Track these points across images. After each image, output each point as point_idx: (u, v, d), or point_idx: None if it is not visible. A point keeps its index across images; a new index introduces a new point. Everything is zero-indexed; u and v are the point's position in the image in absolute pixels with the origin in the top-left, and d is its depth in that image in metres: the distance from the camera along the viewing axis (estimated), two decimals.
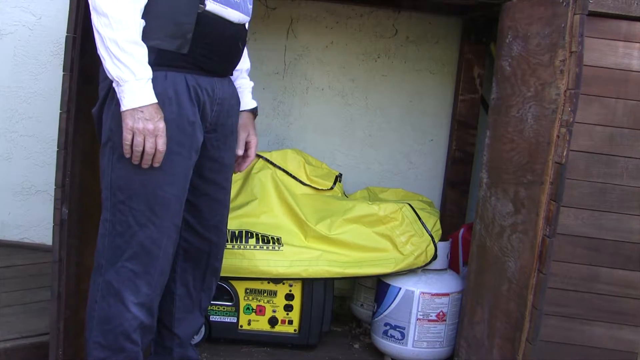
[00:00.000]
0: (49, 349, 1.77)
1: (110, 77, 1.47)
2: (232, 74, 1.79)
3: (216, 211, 1.81)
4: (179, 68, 1.55)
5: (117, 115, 1.51)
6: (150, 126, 1.47)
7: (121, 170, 1.55)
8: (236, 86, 1.82)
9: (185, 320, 1.87)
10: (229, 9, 1.62)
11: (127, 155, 1.51)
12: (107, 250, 1.60)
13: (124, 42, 1.44)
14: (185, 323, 1.87)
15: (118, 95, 1.47)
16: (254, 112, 1.91)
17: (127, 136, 1.48)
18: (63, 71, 1.67)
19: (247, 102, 1.89)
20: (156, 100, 1.49)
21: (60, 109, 1.68)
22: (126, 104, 1.46)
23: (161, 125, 1.49)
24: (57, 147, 1.69)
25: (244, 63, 1.86)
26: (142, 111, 1.47)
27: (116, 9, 1.43)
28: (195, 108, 1.60)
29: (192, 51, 1.56)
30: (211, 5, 1.56)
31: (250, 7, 1.72)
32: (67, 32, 1.66)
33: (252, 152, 1.90)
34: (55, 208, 1.71)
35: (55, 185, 1.71)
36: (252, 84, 1.90)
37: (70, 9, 1.66)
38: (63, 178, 1.70)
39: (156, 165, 1.52)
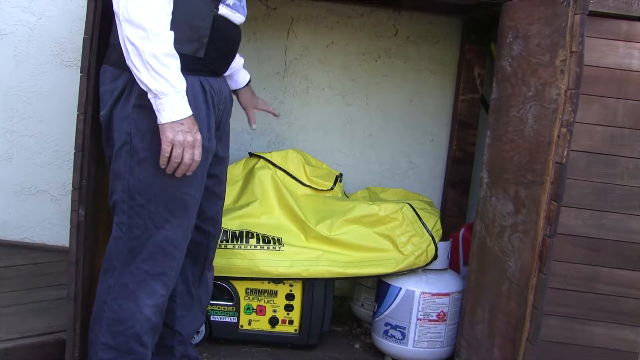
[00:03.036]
0: (65, 350, 1.78)
1: (145, 89, 1.47)
2: None
3: (213, 203, 1.83)
4: (194, 71, 1.57)
5: (137, 119, 1.53)
6: (190, 138, 1.49)
7: (141, 174, 1.56)
8: (234, 69, 1.88)
9: (186, 317, 1.88)
10: (237, 14, 1.66)
11: (163, 166, 1.52)
12: (122, 253, 1.61)
13: (163, 56, 1.45)
14: (186, 320, 1.88)
15: (155, 108, 1.48)
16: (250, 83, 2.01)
17: (166, 148, 1.49)
18: (80, 73, 1.68)
19: (245, 76, 1.99)
20: (192, 112, 1.51)
21: (78, 111, 1.69)
22: (166, 117, 1.47)
23: (199, 136, 1.52)
24: (74, 149, 1.70)
25: None
26: (182, 123, 1.48)
27: (153, 22, 1.44)
28: (211, 111, 1.63)
29: (206, 54, 1.59)
30: (223, 10, 1.60)
31: (245, 6, 1.76)
32: (84, 34, 1.66)
33: (271, 108, 2.12)
34: (72, 210, 1.71)
35: (72, 187, 1.71)
36: (242, 58, 1.95)
37: (87, 10, 1.66)
38: (80, 180, 1.71)
39: (189, 174, 1.55)
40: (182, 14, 1.52)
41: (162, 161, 1.51)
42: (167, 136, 1.48)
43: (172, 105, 1.47)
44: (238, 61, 1.91)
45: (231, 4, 1.63)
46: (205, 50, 1.58)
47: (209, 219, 1.83)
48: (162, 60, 1.44)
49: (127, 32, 1.44)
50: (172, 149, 1.49)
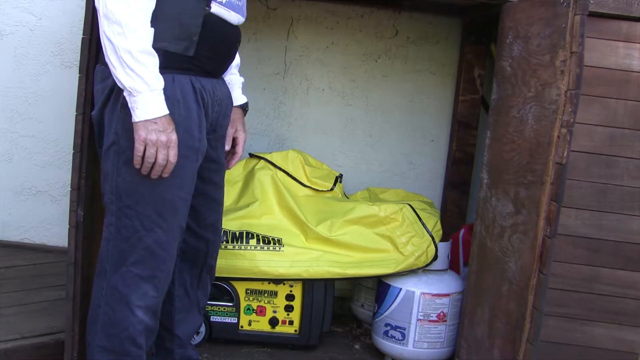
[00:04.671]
0: (64, 351, 1.78)
1: (121, 87, 1.45)
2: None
3: (213, 210, 1.81)
4: (184, 70, 1.54)
5: (124, 118, 1.50)
6: (163, 138, 1.46)
7: (128, 174, 1.53)
8: (226, 81, 1.81)
9: (184, 320, 1.87)
10: (232, 12, 1.63)
11: (138, 166, 1.49)
12: (112, 255, 1.59)
13: (138, 53, 1.41)
14: (184, 323, 1.87)
15: (130, 106, 1.45)
16: (244, 107, 1.90)
17: (139, 147, 1.46)
18: (79, 73, 1.67)
19: (238, 97, 1.88)
20: (168, 112, 1.48)
21: (76, 111, 1.68)
22: (139, 115, 1.44)
23: (174, 137, 1.48)
24: (73, 149, 1.69)
25: (235, 59, 1.86)
26: (155, 122, 1.45)
27: (130, 17, 1.40)
28: (202, 110, 1.60)
29: (196, 53, 1.55)
30: (215, 8, 1.57)
31: (245, 7, 1.73)
32: (83, 34, 1.66)
33: (240, 149, 1.88)
34: (70, 210, 1.71)
35: (70, 188, 1.71)
36: (242, 79, 1.90)
37: (85, 10, 1.66)
38: (79, 180, 1.70)
39: (165, 176, 1.51)
40: (170, 10, 1.49)
41: (136, 161, 1.48)
42: (139, 135, 1.45)
43: (145, 104, 1.43)
44: (236, 78, 1.87)
45: (224, 1, 1.59)
46: (195, 49, 1.54)
47: (209, 225, 1.81)
48: (137, 57, 1.41)
49: (104, 28, 1.42)
50: (145, 149, 1.46)
